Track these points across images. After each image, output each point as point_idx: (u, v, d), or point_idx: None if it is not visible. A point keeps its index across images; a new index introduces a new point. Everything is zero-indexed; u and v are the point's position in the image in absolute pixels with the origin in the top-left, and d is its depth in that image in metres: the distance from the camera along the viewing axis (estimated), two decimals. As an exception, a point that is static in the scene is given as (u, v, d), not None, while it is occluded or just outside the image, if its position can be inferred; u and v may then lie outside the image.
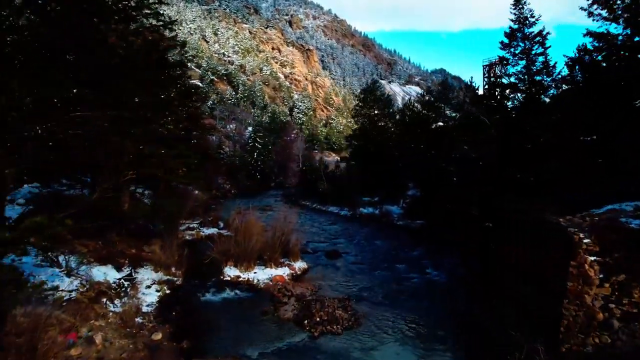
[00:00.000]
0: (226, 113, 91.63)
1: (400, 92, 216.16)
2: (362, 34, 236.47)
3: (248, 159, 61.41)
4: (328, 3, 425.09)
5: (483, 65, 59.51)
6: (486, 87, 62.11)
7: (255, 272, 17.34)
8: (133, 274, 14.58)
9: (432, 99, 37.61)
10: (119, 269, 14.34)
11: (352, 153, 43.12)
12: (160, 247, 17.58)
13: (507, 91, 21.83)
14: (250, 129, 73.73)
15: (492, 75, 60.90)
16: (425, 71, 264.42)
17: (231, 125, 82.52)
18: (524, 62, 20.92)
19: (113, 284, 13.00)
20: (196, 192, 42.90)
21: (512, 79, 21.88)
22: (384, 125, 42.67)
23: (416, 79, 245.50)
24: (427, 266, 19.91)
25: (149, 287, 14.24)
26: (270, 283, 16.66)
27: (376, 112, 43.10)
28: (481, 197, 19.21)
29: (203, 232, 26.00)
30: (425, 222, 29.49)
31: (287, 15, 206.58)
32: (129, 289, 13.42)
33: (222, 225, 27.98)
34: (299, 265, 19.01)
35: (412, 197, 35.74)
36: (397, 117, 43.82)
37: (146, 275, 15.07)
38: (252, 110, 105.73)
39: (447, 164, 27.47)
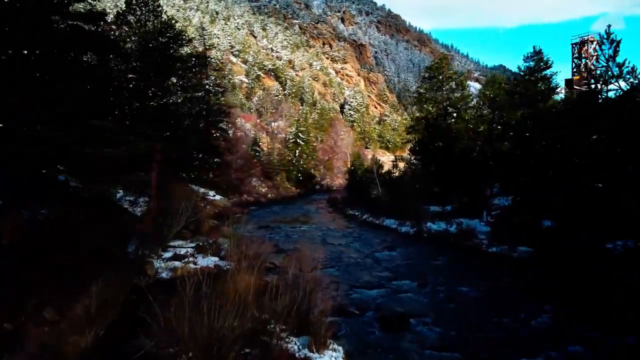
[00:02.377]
0: (272, 109, 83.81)
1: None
2: (417, 29, 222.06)
3: (289, 158, 52.54)
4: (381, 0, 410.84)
5: (572, 44, 46.57)
6: (575, 69, 48.42)
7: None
8: None
9: (528, 75, 26.72)
10: None
11: (413, 149, 32.63)
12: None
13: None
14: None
15: (583, 55, 47.49)
16: (485, 66, 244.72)
17: (276, 123, 74.62)
18: None
19: None
20: (216, 197, 34.56)
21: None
22: (457, 112, 31.95)
23: (475, 75, 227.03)
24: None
25: None
26: None
27: (447, 95, 32.44)
28: None
29: (193, 263, 16.98)
30: (535, 250, 18.83)
31: (339, 12, 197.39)
32: None
33: (224, 250, 18.87)
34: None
35: (501, 208, 25.06)
36: (475, 101, 33.05)
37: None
38: (301, 107, 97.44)
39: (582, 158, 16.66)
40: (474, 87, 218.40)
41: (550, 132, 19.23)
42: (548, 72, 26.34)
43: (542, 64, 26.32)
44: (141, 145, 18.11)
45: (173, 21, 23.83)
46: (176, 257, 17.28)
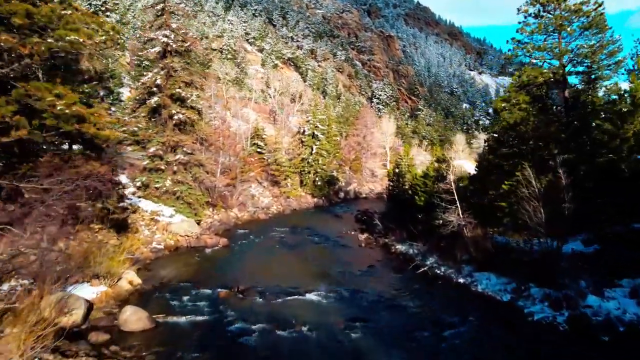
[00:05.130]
0: (290, 102, 69.60)
1: (492, 84, 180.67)
2: (448, 22, 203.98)
3: (303, 156, 38.16)
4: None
5: None
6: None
7: None
8: None
9: None
10: None
11: (506, 142, 17.88)
12: None
13: None
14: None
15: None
16: (520, 61, 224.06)
17: (293, 117, 60.42)
18: None
19: None
20: (173, 217, 20.76)
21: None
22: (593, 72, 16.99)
23: (510, 70, 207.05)
24: None
25: None
26: None
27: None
28: None
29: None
30: None
31: (364, 5, 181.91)
32: None
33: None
34: None
35: None
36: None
37: None
38: (324, 99, 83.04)
39: None
40: (509, 81, 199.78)
41: None
42: None
43: None
44: None
45: None
46: None
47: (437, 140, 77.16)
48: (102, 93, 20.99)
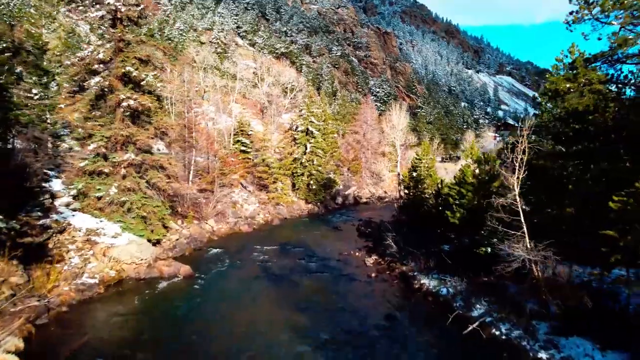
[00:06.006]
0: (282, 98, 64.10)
1: (490, 83, 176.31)
2: (445, 19, 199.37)
3: (295, 156, 32.86)
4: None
5: None
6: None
7: None
8: None
9: None
10: None
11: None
12: None
13: None
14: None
15: None
16: (517, 60, 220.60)
17: (287, 115, 55.07)
18: None
19: None
20: (120, 237, 15.29)
21: None
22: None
23: (507, 68, 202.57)
24: None
25: None
26: None
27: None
28: None
29: None
30: None
31: (360, 1, 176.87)
32: None
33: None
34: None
35: None
36: None
37: None
38: (318, 96, 77.73)
39: None
40: (507, 81, 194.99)
41: None
42: None
43: None
44: None
45: None
46: None
47: (438, 139, 72.18)
48: (19, 69, 15.51)
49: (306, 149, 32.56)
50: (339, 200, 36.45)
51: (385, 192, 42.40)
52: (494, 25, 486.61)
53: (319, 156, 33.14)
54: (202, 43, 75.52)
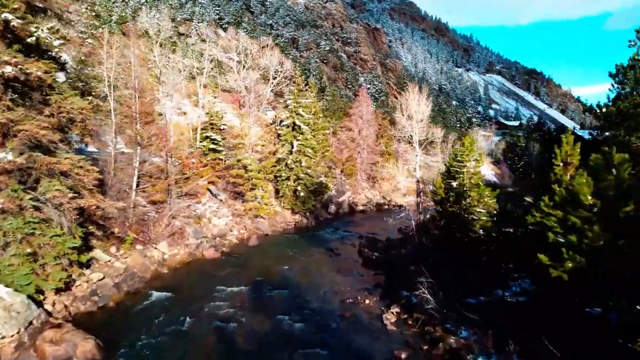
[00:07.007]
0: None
1: (480, 82, 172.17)
2: (434, 17, 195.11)
3: (279, 156, 26.77)
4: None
5: None
6: None
7: None
8: None
9: None
10: None
11: None
12: None
13: None
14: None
15: None
16: (506, 59, 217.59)
17: (273, 112, 48.94)
18: None
19: None
20: None
21: None
22: None
23: (497, 67, 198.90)
24: None
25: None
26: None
27: None
28: None
29: None
30: None
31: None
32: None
33: None
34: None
35: None
36: None
37: None
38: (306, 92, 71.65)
39: None
40: (497, 80, 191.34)
41: None
42: None
43: None
44: None
45: None
46: None
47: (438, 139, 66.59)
48: None
49: (292, 147, 26.48)
50: (332, 208, 30.43)
51: (384, 198, 36.63)
52: (482, 25, 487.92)
53: (308, 156, 27.09)
54: (181, 34, 69.52)
